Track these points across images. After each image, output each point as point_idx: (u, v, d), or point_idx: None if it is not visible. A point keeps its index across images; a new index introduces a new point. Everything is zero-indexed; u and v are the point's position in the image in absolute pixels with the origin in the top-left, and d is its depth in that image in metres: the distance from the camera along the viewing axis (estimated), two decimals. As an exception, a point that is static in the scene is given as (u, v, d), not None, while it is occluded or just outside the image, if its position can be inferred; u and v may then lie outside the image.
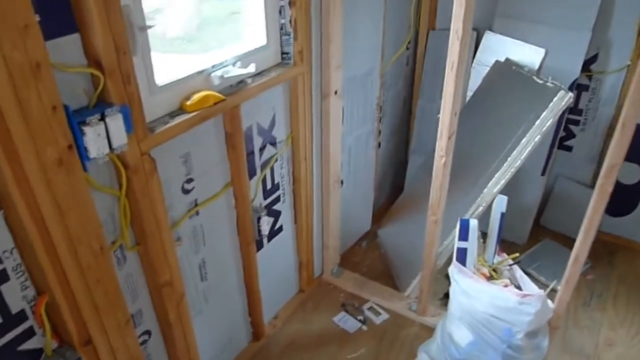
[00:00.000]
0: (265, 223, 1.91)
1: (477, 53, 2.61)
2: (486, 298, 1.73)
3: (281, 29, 1.73)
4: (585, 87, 2.57)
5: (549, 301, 1.78)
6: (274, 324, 2.27)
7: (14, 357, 1.19)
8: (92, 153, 1.11)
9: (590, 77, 2.54)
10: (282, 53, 1.78)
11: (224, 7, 1.79)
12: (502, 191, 2.09)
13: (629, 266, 2.61)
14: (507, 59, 2.47)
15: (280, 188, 2.03)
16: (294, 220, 2.19)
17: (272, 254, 2.11)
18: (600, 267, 2.59)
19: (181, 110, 1.42)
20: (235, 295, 1.97)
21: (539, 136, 2.05)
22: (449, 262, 1.91)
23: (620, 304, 2.38)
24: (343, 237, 2.56)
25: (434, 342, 2.02)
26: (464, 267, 1.84)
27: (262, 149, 1.84)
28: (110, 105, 1.13)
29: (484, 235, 1.98)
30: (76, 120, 1.08)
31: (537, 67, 2.41)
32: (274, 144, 1.89)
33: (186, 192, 1.55)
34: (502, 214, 1.93)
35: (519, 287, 1.85)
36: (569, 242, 2.00)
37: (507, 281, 1.85)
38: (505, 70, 2.44)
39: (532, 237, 2.76)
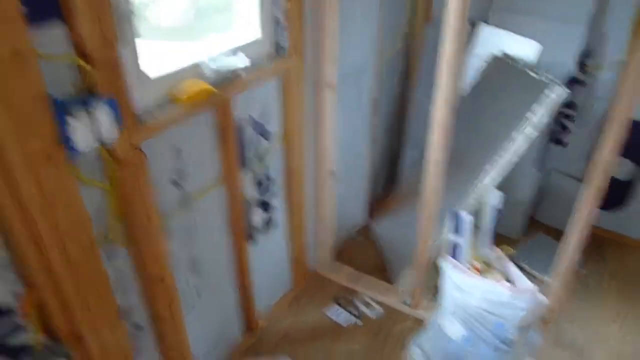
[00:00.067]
0: (258, 217, 1.89)
1: (473, 46, 2.59)
2: (479, 293, 1.73)
3: (275, 21, 1.71)
4: (580, 82, 2.56)
5: (541, 296, 1.78)
6: (267, 318, 2.26)
7: (3, 352, 1.17)
8: (80, 146, 1.09)
9: (585, 72, 2.53)
10: (276, 45, 1.75)
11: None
12: (497, 186, 2.08)
13: (620, 261, 2.62)
14: (503, 53, 2.46)
15: (274, 182, 2.01)
16: (287, 214, 2.18)
17: (265, 248, 2.09)
18: (592, 261, 2.59)
19: (172, 102, 1.39)
20: (228, 289, 1.96)
21: (533, 131, 2.05)
22: (442, 255, 1.91)
23: (612, 298, 2.39)
24: (337, 231, 2.55)
25: (427, 336, 2.03)
26: (457, 262, 1.83)
27: (255, 143, 1.82)
28: (97, 97, 1.11)
29: (477, 229, 1.98)
30: (63, 112, 1.05)
31: (532, 61, 2.40)
32: (267, 137, 1.88)
33: (177, 185, 1.53)
34: (496, 209, 1.93)
35: (511, 282, 1.85)
36: (563, 237, 2.00)
37: (500, 275, 1.86)
38: (501, 64, 2.43)
39: (526, 232, 2.76)
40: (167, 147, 1.45)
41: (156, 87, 1.35)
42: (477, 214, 2.05)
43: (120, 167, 1.25)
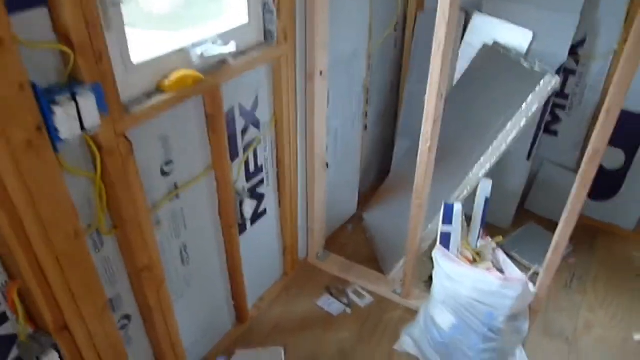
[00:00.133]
0: (248, 206, 1.88)
1: (466, 34, 2.57)
2: (469, 282, 1.74)
3: (264, 6, 1.68)
4: (572, 72, 2.56)
5: (531, 285, 1.78)
6: (258, 308, 2.26)
7: (-12, 342, 1.16)
8: (63, 134, 1.07)
9: (577, 62, 2.53)
10: (265, 32, 1.72)
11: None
12: (488, 175, 2.08)
13: (609, 250, 2.64)
14: (495, 42, 2.44)
15: (264, 171, 1.99)
16: (278, 204, 2.16)
17: (256, 238, 2.08)
18: (581, 250, 2.61)
19: (159, 89, 1.37)
20: (218, 279, 1.95)
21: (524, 120, 2.04)
22: (434, 245, 1.91)
23: (600, 287, 2.41)
24: (328, 220, 2.55)
25: (417, 325, 2.04)
26: (447, 251, 1.84)
27: (244, 131, 1.80)
28: (81, 84, 1.09)
29: (468, 218, 1.98)
30: (45, 99, 1.03)
31: (524, 50, 2.38)
32: (257, 125, 1.86)
33: (165, 174, 1.51)
34: (487, 198, 1.93)
35: (501, 271, 1.85)
36: (553, 226, 2.01)
37: (490, 265, 1.86)
38: (493, 53, 2.42)
39: (517, 221, 2.77)
40: (154, 136, 1.43)
41: (143, 75, 1.33)
42: (467, 203, 2.04)
43: (106, 155, 1.23)
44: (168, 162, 1.51)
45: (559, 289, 2.39)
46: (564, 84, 2.60)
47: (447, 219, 1.87)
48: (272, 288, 2.36)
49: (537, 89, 2.01)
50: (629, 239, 2.71)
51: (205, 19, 1.65)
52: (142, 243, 1.43)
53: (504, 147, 2.07)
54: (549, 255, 2.01)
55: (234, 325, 2.16)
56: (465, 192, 2.13)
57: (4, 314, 1.18)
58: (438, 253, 1.85)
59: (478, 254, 1.92)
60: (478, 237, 1.96)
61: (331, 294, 2.34)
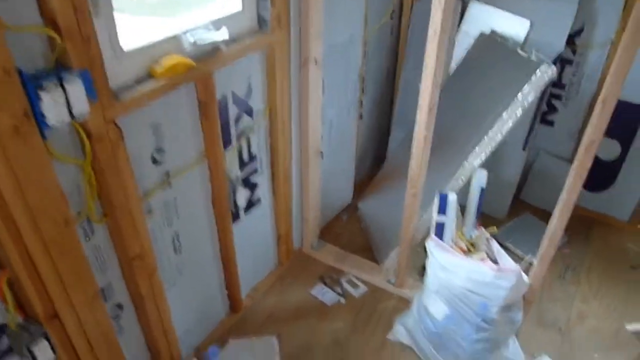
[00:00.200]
0: (242, 195, 1.87)
1: (462, 23, 2.55)
2: (463, 272, 1.73)
3: (258, -8, 1.66)
4: (569, 61, 2.54)
5: (525, 275, 1.78)
6: (251, 297, 2.26)
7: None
8: (51, 120, 1.05)
9: (574, 51, 2.51)
10: (259, 18, 1.70)
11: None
12: (483, 165, 2.07)
13: (604, 240, 2.65)
14: (492, 31, 2.42)
15: (258, 159, 1.98)
16: (272, 193, 2.15)
17: (250, 227, 2.07)
18: (576, 241, 2.61)
19: (150, 76, 1.35)
20: (211, 268, 1.95)
21: (520, 110, 2.03)
22: (428, 234, 1.90)
23: (594, 277, 2.42)
24: (323, 209, 2.54)
25: (411, 315, 2.04)
26: (441, 241, 1.83)
27: (237, 119, 1.78)
28: (69, 70, 1.07)
29: (463, 208, 1.97)
30: (32, 85, 1.01)
31: (521, 39, 2.36)
32: (250, 114, 1.84)
33: (157, 162, 1.50)
34: (482, 188, 1.92)
35: (495, 261, 1.85)
36: (548, 217, 2.00)
37: (484, 255, 1.86)
38: (490, 42, 2.39)
39: (512, 212, 2.77)
40: (145, 123, 1.41)
41: (133, 61, 1.31)
42: (462, 193, 2.04)
43: (95, 142, 1.21)
44: (159, 150, 1.49)
45: (553, 279, 2.39)
46: (560, 73, 2.58)
47: (442, 209, 1.86)
48: (266, 277, 2.36)
49: (533, 78, 2.00)
50: (624, 230, 2.71)
51: (198, 5, 1.62)
52: (133, 231, 1.42)
53: (499, 136, 2.06)
54: (543, 245, 2.01)
55: (228, 315, 2.16)
56: (460, 182, 2.12)
57: (-7, 303, 1.17)
58: (432, 243, 1.84)
59: (472, 244, 1.91)
60: (472, 228, 1.95)
61: (325, 284, 2.34)
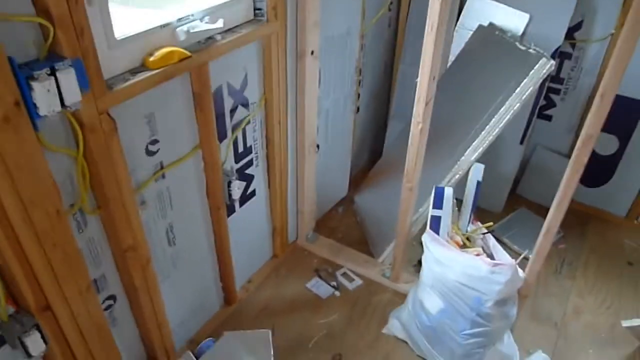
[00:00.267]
0: (237, 187, 1.85)
1: (461, 16, 2.53)
2: (458, 267, 1.73)
3: (254, -18, 1.64)
4: (568, 56, 2.53)
5: (520, 270, 1.78)
6: (246, 289, 2.25)
7: (-34, 323, 1.14)
8: (42, 110, 1.04)
9: (573, 45, 2.49)
10: (255, 8, 1.68)
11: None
12: (480, 159, 2.06)
13: (600, 236, 2.65)
14: (490, 24, 2.41)
15: (253, 151, 1.97)
16: (267, 185, 2.14)
17: (245, 219, 2.06)
18: (572, 236, 2.62)
19: (144, 67, 1.33)
20: (206, 260, 1.94)
21: (518, 104, 2.02)
22: (424, 229, 1.90)
23: (589, 273, 2.42)
24: (319, 202, 2.53)
25: (405, 308, 2.04)
26: (437, 236, 1.83)
27: (233, 111, 1.77)
28: (61, 59, 1.05)
29: (459, 203, 1.97)
30: (23, 74, 0.99)
31: (520, 32, 2.35)
32: (246, 105, 1.82)
33: (151, 154, 1.48)
34: (478, 182, 1.92)
35: (491, 256, 1.85)
36: (544, 212, 2.00)
37: (480, 250, 1.85)
38: (488, 35, 2.38)
39: (508, 206, 2.77)
40: (139, 114, 1.40)
41: (127, 51, 1.29)
42: (459, 187, 2.03)
43: (88, 133, 1.20)
44: (153, 141, 1.47)
45: (548, 274, 2.39)
46: (559, 68, 2.57)
47: (438, 203, 1.85)
48: (261, 270, 2.35)
49: (531, 72, 1.98)
50: (620, 226, 2.71)
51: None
52: (126, 223, 1.41)
53: (497, 130, 2.05)
54: (539, 240, 2.01)
55: (222, 307, 2.16)
56: (457, 176, 2.11)
57: (-15, 294, 1.16)
58: (427, 237, 1.83)
59: (468, 238, 1.91)
60: (469, 222, 1.95)
61: (320, 277, 2.34)
